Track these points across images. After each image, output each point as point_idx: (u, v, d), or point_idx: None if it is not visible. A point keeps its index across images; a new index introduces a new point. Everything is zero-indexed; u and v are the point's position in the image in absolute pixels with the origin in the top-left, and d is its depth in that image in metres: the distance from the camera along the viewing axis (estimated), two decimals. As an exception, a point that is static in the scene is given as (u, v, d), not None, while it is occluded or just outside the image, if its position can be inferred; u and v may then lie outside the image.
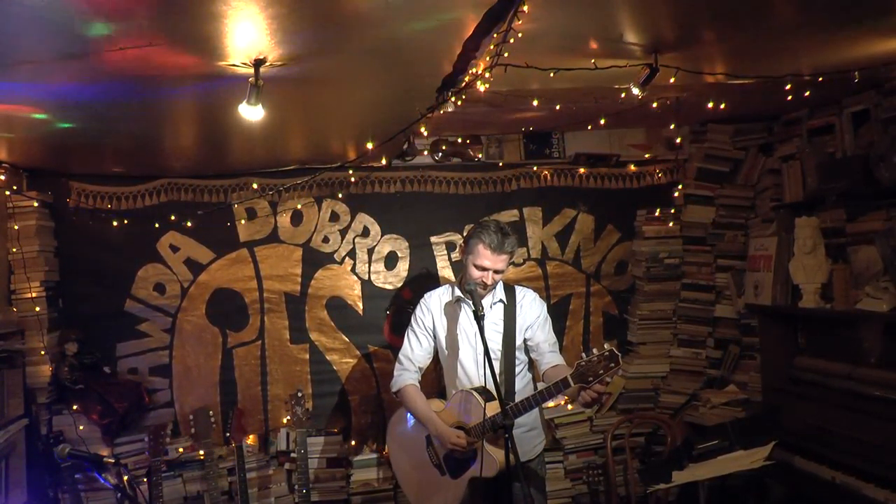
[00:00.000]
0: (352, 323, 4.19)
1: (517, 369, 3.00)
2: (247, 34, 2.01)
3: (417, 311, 3.16)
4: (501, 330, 2.99)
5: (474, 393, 2.87)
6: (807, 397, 3.51)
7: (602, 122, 3.63)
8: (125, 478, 3.10)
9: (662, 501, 3.86)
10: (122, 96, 2.53)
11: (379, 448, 4.05)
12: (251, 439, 4.02)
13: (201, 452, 3.73)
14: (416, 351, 3.11)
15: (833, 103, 3.58)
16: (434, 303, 3.13)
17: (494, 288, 3.00)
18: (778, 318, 3.87)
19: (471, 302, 2.78)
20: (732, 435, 3.05)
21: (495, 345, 2.96)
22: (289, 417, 3.87)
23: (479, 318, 2.61)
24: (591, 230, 4.36)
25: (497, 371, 2.84)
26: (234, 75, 2.31)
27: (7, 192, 3.57)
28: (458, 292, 3.07)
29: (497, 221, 2.94)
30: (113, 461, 2.59)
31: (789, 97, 3.15)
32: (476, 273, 2.87)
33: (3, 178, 3.47)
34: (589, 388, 2.52)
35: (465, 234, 3.87)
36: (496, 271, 2.87)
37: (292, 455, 3.90)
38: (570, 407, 4.21)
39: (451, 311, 3.09)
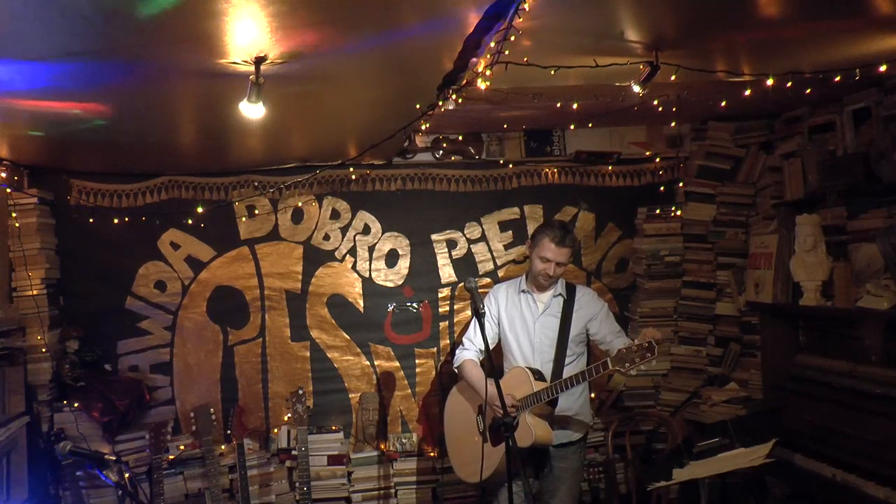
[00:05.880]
0: (352, 321, 4.20)
1: (567, 359, 3.26)
2: (247, 32, 2.01)
3: (486, 299, 3.43)
4: (558, 320, 3.28)
5: (527, 370, 3.16)
6: (807, 395, 3.51)
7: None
8: (126, 475, 3.11)
9: (663, 499, 3.86)
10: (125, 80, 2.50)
11: (379, 445, 4.06)
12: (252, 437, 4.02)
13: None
14: (478, 335, 3.28)
15: (834, 101, 3.57)
16: (501, 293, 3.46)
17: (556, 283, 3.31)
18: (779, 316, 3.87)
19: (533, 294, 3.29)
20: (733, 433, 3.06)
21: (552, 332, 3.26)
22: (290, 415, 3.87)
23: (479, 315, 2.72)
24: (592, 228, 4.36)
25: (551, 357, 3.23)
26: (235, 73, 2.30)
27: (8, 190, 3.57)
28: (523, 285, 3.40)
29: (561, 221, 3.49)
30: (114, 459, 2.60)
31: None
32: (540, 265, 3.20)
33: (4, 175, 3.47)
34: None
35: (470, 228, 3.94)
36: (558, 263, 3.19)
37: (293, 453, 3.89)
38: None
39: (515, 300, 3.39)
